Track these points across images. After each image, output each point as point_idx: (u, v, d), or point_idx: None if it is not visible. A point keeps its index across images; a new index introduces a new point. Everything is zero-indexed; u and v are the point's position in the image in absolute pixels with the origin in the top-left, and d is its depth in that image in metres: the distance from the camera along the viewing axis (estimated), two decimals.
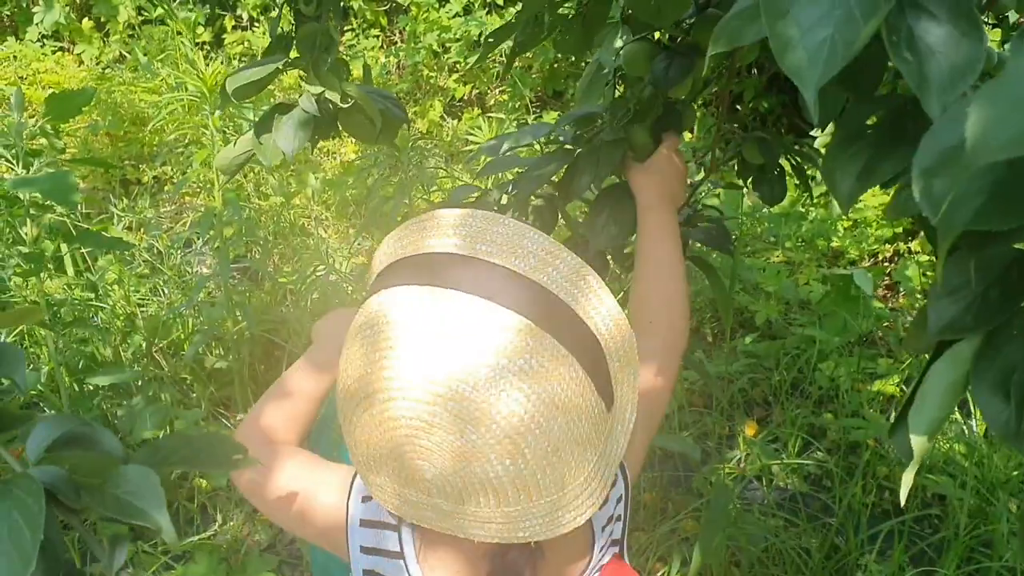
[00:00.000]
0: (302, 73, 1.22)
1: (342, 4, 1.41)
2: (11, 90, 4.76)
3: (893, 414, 2.79)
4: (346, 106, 1.08)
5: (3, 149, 2.17)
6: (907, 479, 0.63)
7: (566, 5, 1.11)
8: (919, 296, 3.43)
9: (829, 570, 2.23)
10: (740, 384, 2.95)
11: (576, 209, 1.68)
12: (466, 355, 0.73)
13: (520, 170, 1.39)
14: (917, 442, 0.61)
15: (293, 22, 1.49)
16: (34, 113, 4.24)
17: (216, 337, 2.82)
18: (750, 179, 1.53)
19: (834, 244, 3.73)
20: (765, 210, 3.94)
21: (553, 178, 1.43)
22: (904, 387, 2.85)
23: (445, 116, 4.71)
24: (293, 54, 1.35)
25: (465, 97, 4.77)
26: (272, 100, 3.90)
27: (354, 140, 4.45)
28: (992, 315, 0.59)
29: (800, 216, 3.88)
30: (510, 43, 1.24)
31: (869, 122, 0.66)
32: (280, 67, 1.03)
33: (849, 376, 2.93)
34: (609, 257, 1.63)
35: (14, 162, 2.16)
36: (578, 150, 1.36)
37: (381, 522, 0.93)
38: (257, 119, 1.11)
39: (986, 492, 2.35)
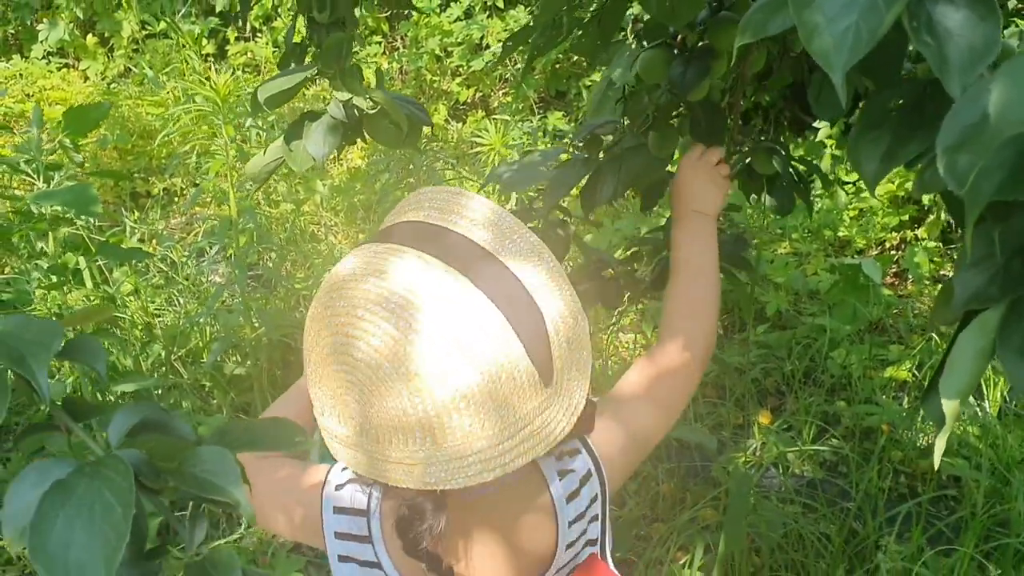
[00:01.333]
0: (322, 82, 1.26)
1: (355, 11, 1.44)
2: (19, 107, 4.82)
3: (906, 399, 2.82)
4: (372, 112, 1.11)
5: (24, 164, 2.20)
6: (940, 444, 0.66)
7: (582, 9, 1.14)
8: (927, 282, 3.46)
9: (848, 553, 2.26)
10: (753, 374, 2.98)
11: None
12: (405, 285, 0.81)
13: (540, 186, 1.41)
14: (949, 407, 0.64)
15: (307, 31, 1.53)
16: (46, 130, 4.28)
17: (234, 344, 2.85)
18: (758, 190, 1.53)
19: (841, 234, 3.76)
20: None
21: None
22: (916, 372, 2.88)
23: (450, 119, 4.75)
24: (307, 59, 1.39)
25: (469, 100, 4.80)
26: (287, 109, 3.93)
27: (360, 147, 4.49)
28: (1016, 284, 0.62)
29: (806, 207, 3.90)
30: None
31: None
32: (309, 76, 1.07)
33: (861, 363, 2.96)
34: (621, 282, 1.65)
35: (35, 176, 2.19)
36: (600, 158, 1.37)
37: (352, 509, 0.97)
38: (286, 127, 1.15)
39: (1003, 471, 2.38)
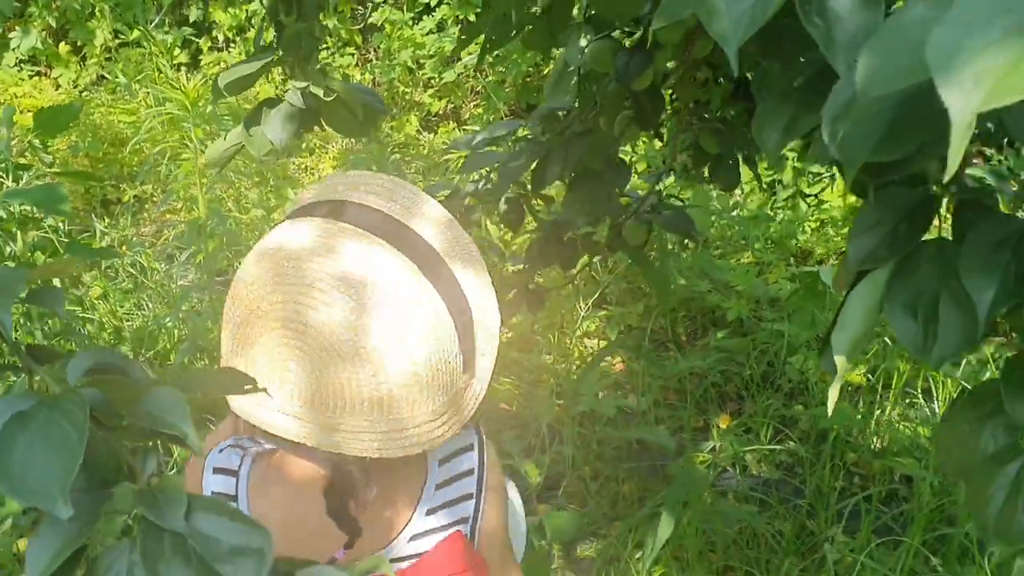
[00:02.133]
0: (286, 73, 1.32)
1: (320, 17, 1.50)
2: None
3: (860, 403, 2.90)
4: (329, 99, 1.17)
5: None
6: (832, 393, 0.73)
7: (532, 3, 1.21)
8: None
9: (801, 550, 2.32)
10: (713, 379, 3.04)
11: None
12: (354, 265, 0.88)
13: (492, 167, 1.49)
14: (840, 359, 0.71)
15: (274, 34, 1.59)
16: (15, 136, 4.29)
17: (201, 347, 2.88)
18: (705, 165, 1.62)
19: (802, 244, 3.84)
20: (735, 213, 4.06)
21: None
22: (870, 376, 2.96)
23: (421, 130, 4.80)
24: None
25: (440, 111, 4.86)
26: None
27: (332, 156, 4.54)
28: (903, 245, 0.69)
29: (768, 218, 3.99)
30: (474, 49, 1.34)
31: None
32: (269, 63, 1.12)
33: (818, 368, 3.03)
34: (579, 245, 1.73)
35: (4, 175, 2.22)
36: (548, 143, 1.45)
37: (226, 469, 1.00)
38: (246, 115, 1.20)
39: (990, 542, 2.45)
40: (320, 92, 1.15)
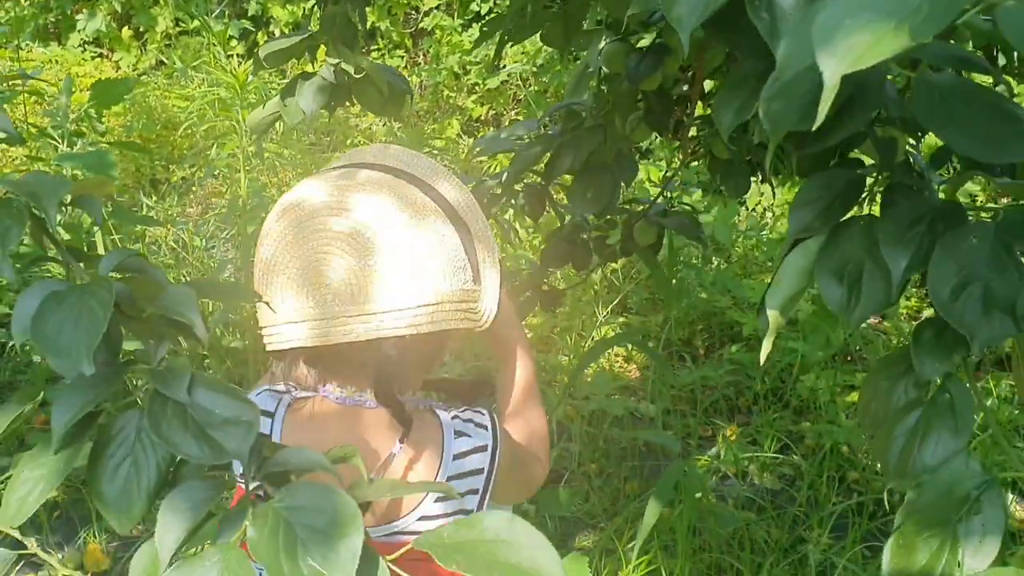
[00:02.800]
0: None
1: (368, 9, 1.61)
2: (51, 90, 5.03)
3: None
4: (359, 77, 1.28)
5: (51, 130, 2.38)
6: (766, 345, 0.82)
7: (551, 2, 1.31)
8: (902, 320, 3.59)
9: (789, 554, 2.38)
10: (724, 390, 3.11)
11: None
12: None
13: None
14: (772, 315, 0.80)
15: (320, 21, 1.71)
16: (75, 110, 4.48)
17: (234, 320, 3.01)
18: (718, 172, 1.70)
19: None
20: (763, 233, 4.13)
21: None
22: None
23: (462, 134, 4.93)
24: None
25: (482, 117, 4.99)
26: None
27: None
28: (834, 218, 0.78)
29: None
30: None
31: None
32: (307, 38, 1.23)
33: (829, 388, 3.09)
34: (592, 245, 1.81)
35: (60, 141, 2.36)
36: (563, 137, 1.55)
37: (264, 411, 1.08)
38: (282, 87, 1.32)
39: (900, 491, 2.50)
40: (351, 69, 1.26)
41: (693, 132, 1.64)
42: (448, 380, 1.22)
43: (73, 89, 2.56)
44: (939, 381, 0.73)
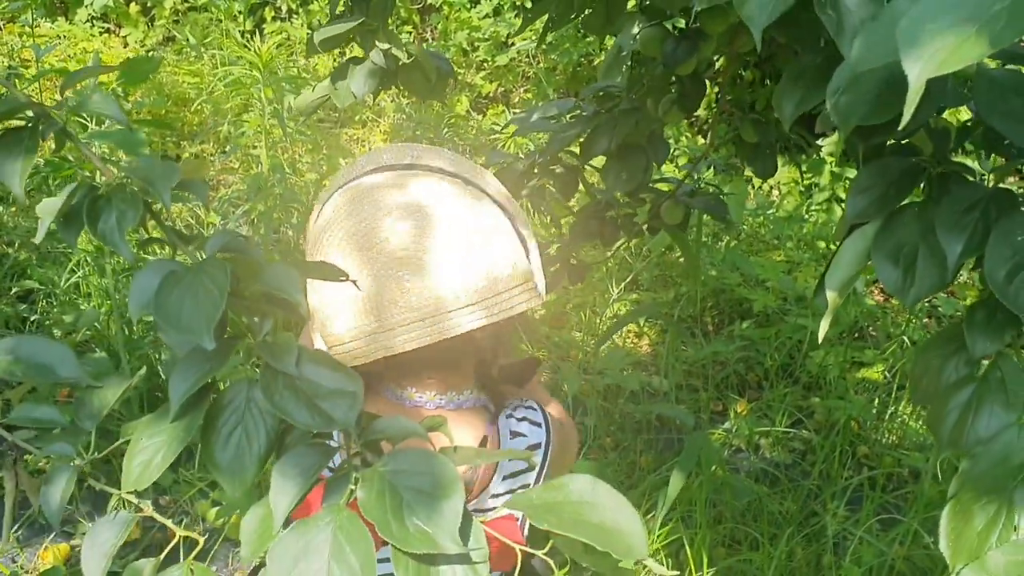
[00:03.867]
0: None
1: None
2: (60, 66, 5.03)
3: (876, 400, 3.01)
4: (407, 62, 1.32)
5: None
6: (824, 324, 0.87)
7: None
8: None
9: (804, 527, 2.45)
10: (735, 366, 3.17)
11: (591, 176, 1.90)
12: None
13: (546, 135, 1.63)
14: (831, 296, 0.85)
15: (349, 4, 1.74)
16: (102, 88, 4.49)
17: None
18: (746, 155, 1.75)
19: (833, 246, 3.95)
20: (770, 212, 4.18)
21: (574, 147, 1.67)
22: (887, 374, 3.07)
23: (471, 111, 4.95)
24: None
25: (491, 94, 5.01)
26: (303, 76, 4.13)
27: (382, 131, 4.70)
28: (890, 205, 0.83)
29: (803, 220, 4.11)
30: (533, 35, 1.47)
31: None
32: (358, 24, 1.27)
33: (838, 364, 3.15)
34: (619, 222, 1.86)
35: (89, 119, 2.40)
36: (598, 118, 1.59)
37: None
38: (334, 70, 1.36)
39: (954, 460, 2.57)
40: (401, 54, 1.30)
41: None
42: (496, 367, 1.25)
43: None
44: (991, 358, 0.78)
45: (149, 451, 0.71)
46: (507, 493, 1.12)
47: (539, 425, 1.15)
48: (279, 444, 0.73)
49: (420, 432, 0.73)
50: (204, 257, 0.74)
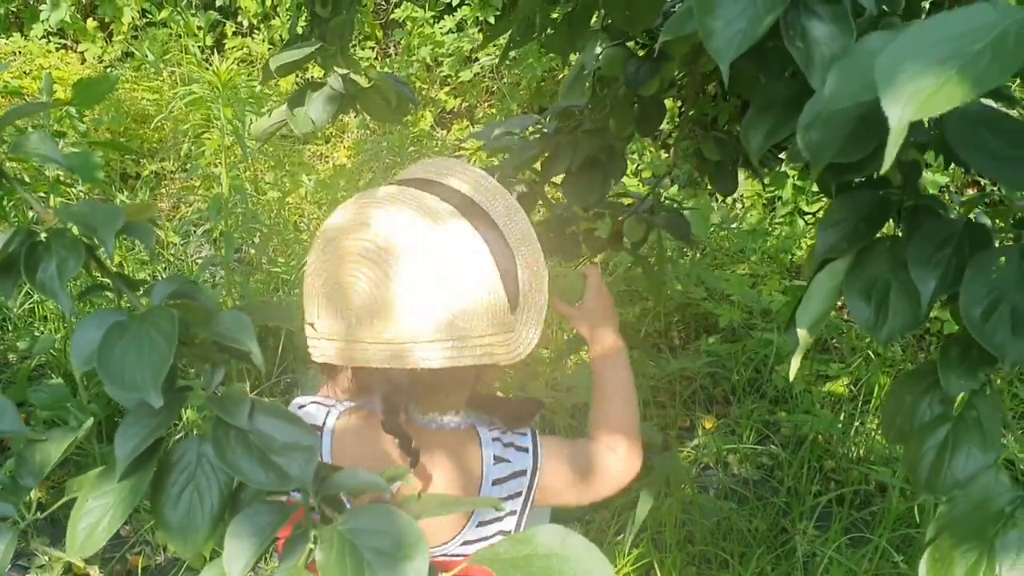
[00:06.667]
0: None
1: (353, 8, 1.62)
2: (16, 83, 4.94)
3: (842, 413, 3.01)
4: (367, 87, 1.29)
5: (31, 130, 2.35)
6: (795, 362, 0.85)
7: (555, 9, 1.33)
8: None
9: (773, 545, 2.44)
10: (701, 381, 3.16)
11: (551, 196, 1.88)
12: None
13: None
14: (802, 334, 0.83)
15: (310, 23, 1.71)
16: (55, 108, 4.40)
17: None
18: (708, 173, 1.73)
19: (797, 259, 3.96)
20: (734, 226, 4.18)
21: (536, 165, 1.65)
22: (852, 387, 3.08)
23: (435, 126, 4.92)
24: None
25: (455, 109, 4.99)
26: (266, 100, 4.09)
27: (347, 146, 4.66)
28: (861, 239, 0.81)
29: (766, 233, 4.12)
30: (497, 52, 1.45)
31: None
32: (315, 51, 1.24)
33: (803, 378, 3.15)
34: (580, 239, 1.84)
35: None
36: (560, 137, 1.57)
37: (313, 425, 1.10)
38: (290, 96, 1.33)
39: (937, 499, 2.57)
40: (360, 79, 1.27)
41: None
42: (496, 398, 1.21)
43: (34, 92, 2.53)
44: (966, 397, 0.76)
45: (95, 513, 0.67)
46: (480, 541, 1.09)
47: (525, 451, 1.12)
48: (233, 501, 0.70)
49: (381, 485, 0.70)
50: (151, 305, 0.71)
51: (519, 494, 1.11)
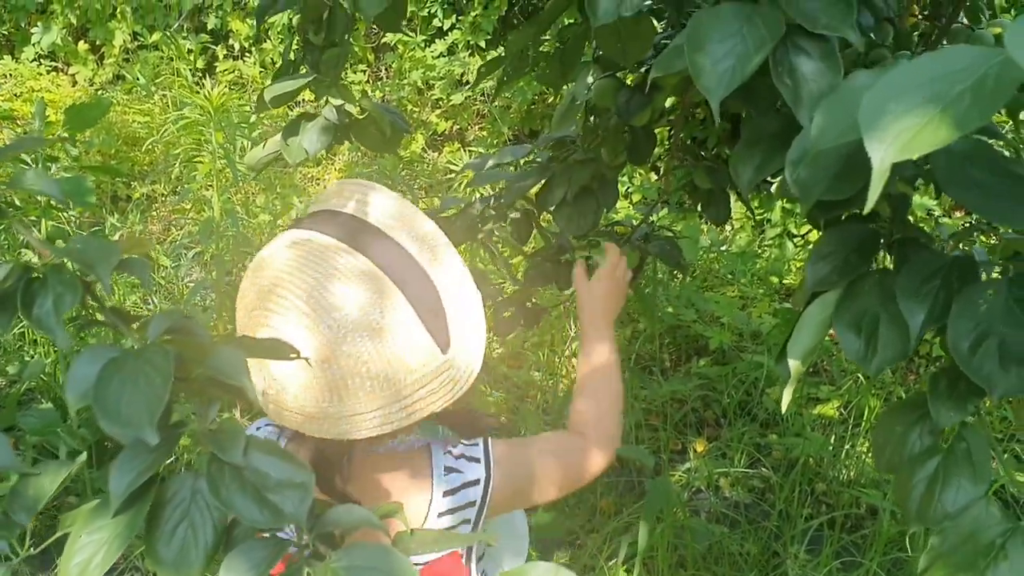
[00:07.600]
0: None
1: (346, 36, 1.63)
2: (7, 106, 4.94)
3: (832, 436, 3.02)
4: (361, 117, 1.30)
5: (24, 155, 2.35)
6: (787, 394, 0.85)
7: (547, 43, 1.34)
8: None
9: (765, 569, 2.44)
10: (692, 404, 3.17)
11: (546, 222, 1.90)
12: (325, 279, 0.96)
13: (502, 185, 1.62)
14: (793, 365, 0.83)
15: (303, 50, 1.72)
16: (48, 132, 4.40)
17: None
18: (700, 201, 1.75)
19: (786, 281, 3.98)
20: (723, 248, 4.20)
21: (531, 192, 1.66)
22: (843, 410, 3.08)
23: (427, 149, 4.94)
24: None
25: (446, 132, 5.01)
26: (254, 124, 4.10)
27: (338, 168, 4.67)
28: (851, 272, 0.82)
29: (756, 255, 4.14)
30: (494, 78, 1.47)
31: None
32: (309, 81, 1.25)
33: (794, 400, 3.16)
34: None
35: (35, 166, 2.34)
36: (553, 167, 1.58)
37: None
38: (285, 125, 1.34)
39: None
40: (354, 110, 1.28)
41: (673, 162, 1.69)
42: (447, 412, 1.22)
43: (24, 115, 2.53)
44: (955, 429, 0.77)
45: (89, 549, 0.67)
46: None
47: (477, 460, 1.13)
48: (227, 537, 0.70)
49: (374, 523, 0.70)
50: (147, 341, 0.71)
51: (473, 503, 1.11)
